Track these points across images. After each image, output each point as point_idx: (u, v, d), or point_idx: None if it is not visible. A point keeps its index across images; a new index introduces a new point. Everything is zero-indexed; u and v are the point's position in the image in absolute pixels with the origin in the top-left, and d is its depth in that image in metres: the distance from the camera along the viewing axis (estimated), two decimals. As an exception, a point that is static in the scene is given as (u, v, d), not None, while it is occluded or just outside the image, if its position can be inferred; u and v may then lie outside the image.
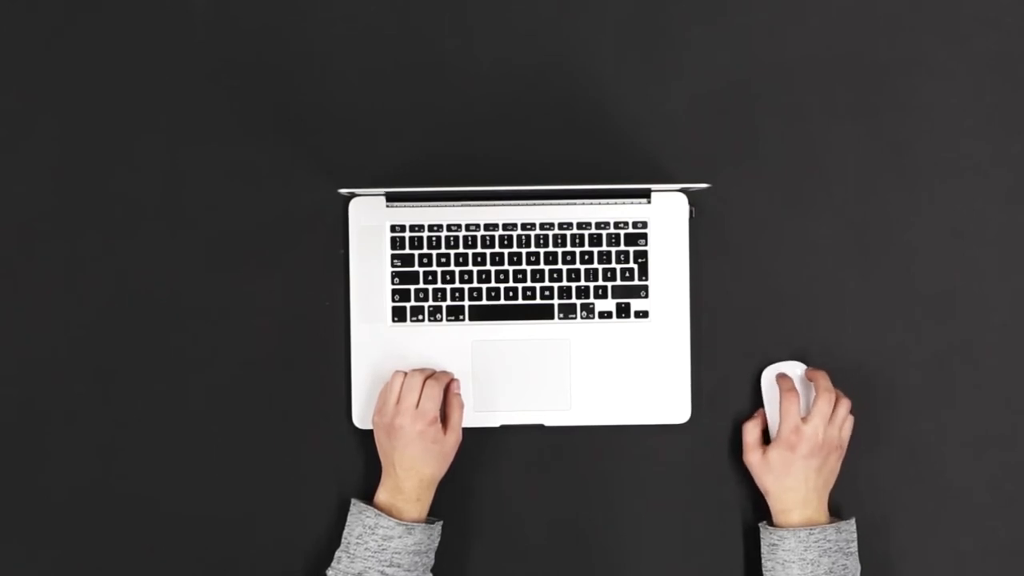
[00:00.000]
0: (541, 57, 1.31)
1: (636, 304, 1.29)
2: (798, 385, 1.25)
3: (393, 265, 1.28)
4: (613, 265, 1.28)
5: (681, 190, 1.28)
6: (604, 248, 1.28)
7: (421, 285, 1.28)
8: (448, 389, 1.24)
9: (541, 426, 1.28)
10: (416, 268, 1.28)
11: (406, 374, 1.22)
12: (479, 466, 1.28)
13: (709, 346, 1.29)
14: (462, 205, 1.28)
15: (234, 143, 1.30)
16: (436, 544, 1.21)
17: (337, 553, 1.20)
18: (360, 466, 1.28)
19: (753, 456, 1.23)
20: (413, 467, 1.20)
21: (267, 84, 1.30)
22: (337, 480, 1.28)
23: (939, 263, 1.30)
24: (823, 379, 1.24)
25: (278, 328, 1.29)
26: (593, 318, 1.28)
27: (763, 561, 1.22)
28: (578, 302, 1.28)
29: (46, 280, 1.29)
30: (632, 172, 1.29)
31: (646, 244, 1.29)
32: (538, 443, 1.29)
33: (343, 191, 1.23)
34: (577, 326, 1.28)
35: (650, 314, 1.29)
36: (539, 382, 1.28)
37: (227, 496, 1.29)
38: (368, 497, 1.23)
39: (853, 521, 1.22)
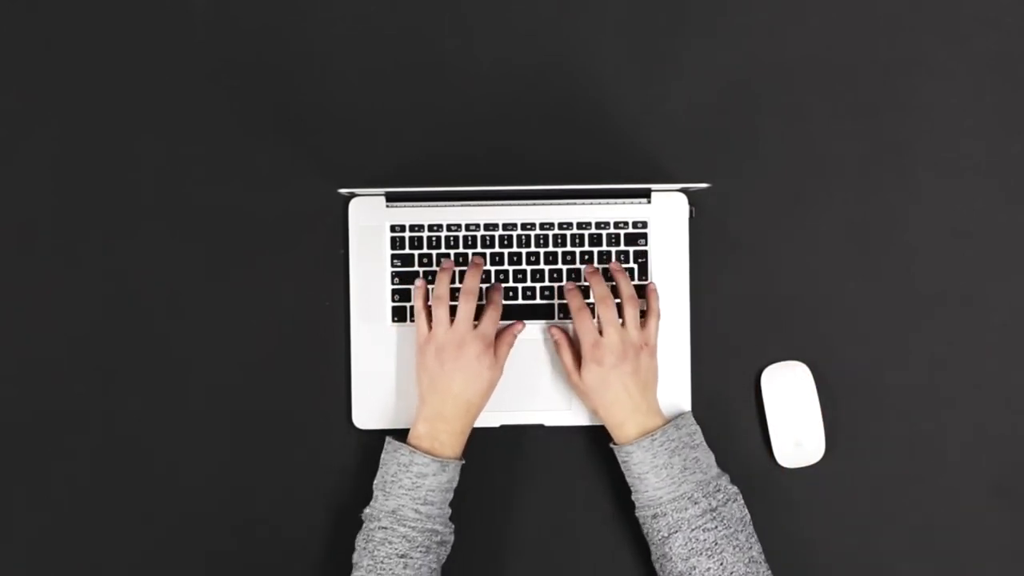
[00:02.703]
0: (541, 57, 1.31)
1: (636, 304, 1.28)
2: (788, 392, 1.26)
3: (393, 265, 1.28)
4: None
5: (681, 190, 1.28)
6: (604, 248, 1.28)
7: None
8: (510, 327, 1.24)
9: (541, 426, 1.28)
10: (416, 268, 1.28)
11: (464, 294, 1.21)
12: (479, 466, 1.28)
13: (709, 346, 1.29)
14: (462, 205, 1.28)
15: (234, 143, 1.30)
16: (458, 480, 1.21)
17: (375, 492, 1.19)
18: (360, 466, 1.28)
19: (573, 380, 1.23)
20: (464, 393, 1.19)
21: (267, 84, 1.30)
22: (337, 480, 1.28)
23: (939, 263, 1.30)
24: (597, 285, 1.23)
25: (278, 328, 1.29)
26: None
27: (625, 478, 1.21)
28: (578, 302, 1.28)
29: (46, 280, 1.29)
30: (632, 172, 1.29)
31: (646, 244, 1.29)
32: (538, 443, 1.29)
33: (343, 191, 1.23)
34: (577, 326, 1.28)
35: (650, 314, 1.29)
36: (539, 382, 1.28)
37: (227, 496, 1.29)
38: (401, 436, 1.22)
39: (689, 413, 1.22)
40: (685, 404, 1.28)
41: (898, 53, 1.31)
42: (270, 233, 1.30)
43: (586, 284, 1.26)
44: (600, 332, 1.21)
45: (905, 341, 1.30)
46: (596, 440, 1.29)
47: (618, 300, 1.23)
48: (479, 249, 1.28)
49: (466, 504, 1.27)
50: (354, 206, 1.28)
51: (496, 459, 1.29)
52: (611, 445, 1.23)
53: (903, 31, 1.31)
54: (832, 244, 1.30)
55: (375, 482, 1.20)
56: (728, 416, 1.29)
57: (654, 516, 1.17)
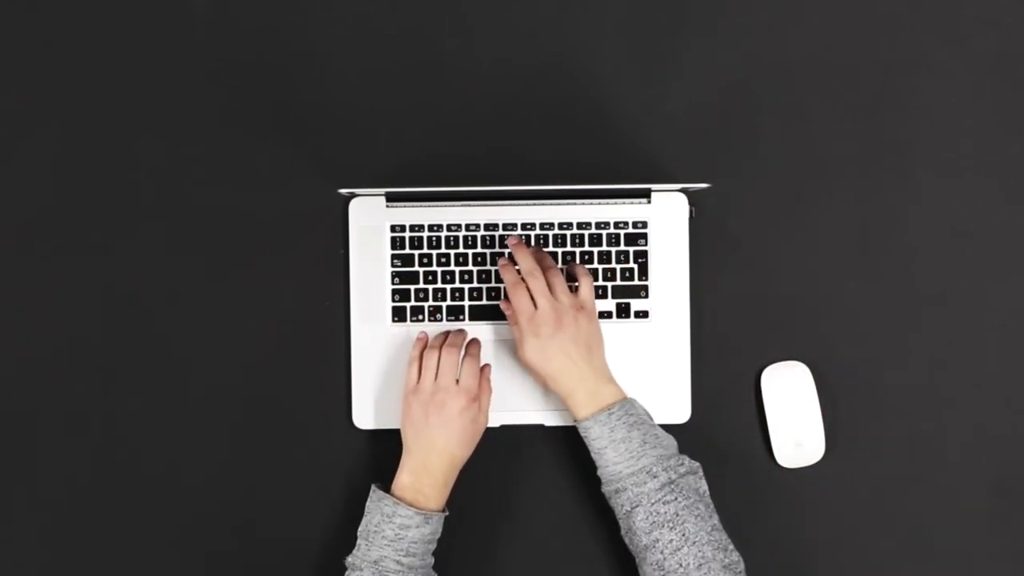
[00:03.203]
0: (541, 57, 1.31)
1: (636, 304, 1.29)
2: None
3: (393, 265, 1.28)
4: (613, 265, 1.28)
5: (681, 190, 1.28)
6: (604, 248, 1.28)
7: (421, 285, 1.28)
8: (481, 374, 1.23)
9: (541, 426, 1.28)
10: (416, 268, 1.28)
11: (439, 348, 1.21)
12: (479, 466, 1.28)
13: (709, 346, 1.29)
14: (462, 205, 1.28)
15: (234, 143, 1.30)
16: (440, 532, 1.21)
17: (358, 540, 1.19)
18: (360, 466, 1.28)
19: (518, 355, 1.22)
20: (447, 447, 1.18)
21: (267, 84, 1.30)
22: (337, 480, 1.28)
23: (939, 263, 1.30)
24: (524, 259, 1.22)
25: (278, 328, 1.29)
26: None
27: (591, 454, 1.21)
28: (578, 302, 1.28)
29: (46, 280, 1.29)
30: (632, 172, 1.29)
31: (646, 244, 1.29)
32: (538, 443, 1.29)
33: (343, 191, 1.23)
34: (577, 326, 1.28)
35: (650, 314, 1.29)
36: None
37: (227, 496, 1.29)
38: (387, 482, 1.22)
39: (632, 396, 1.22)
40: (685, 404, 1.28)
41: (898, 53, 1.31)
42: (270, 233, 1.29)
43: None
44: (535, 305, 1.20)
45: (905, 341, 1.30)
46: (596, 440, 1.29)
47: None
48: (479, 249, 1.28)
49: (466, 504, 1.27)
50: (354, 206, 1.28)
51: (496, 459, 1.29)
52: (573, 422, 1.22)
53: (903, 31, 1.31)
54: (832, 244, 1.30)
55: (359, 529, 1.19)
56: (728, 416, 1.29)
57: (616, 491, 1.17)
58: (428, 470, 1.18)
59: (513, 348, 1.26)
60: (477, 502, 1.28)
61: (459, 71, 1.31)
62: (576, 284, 1.23)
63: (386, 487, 1.20)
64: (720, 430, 1.29)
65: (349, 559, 1.18)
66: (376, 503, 1.18)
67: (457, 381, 1.20)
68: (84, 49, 1.30)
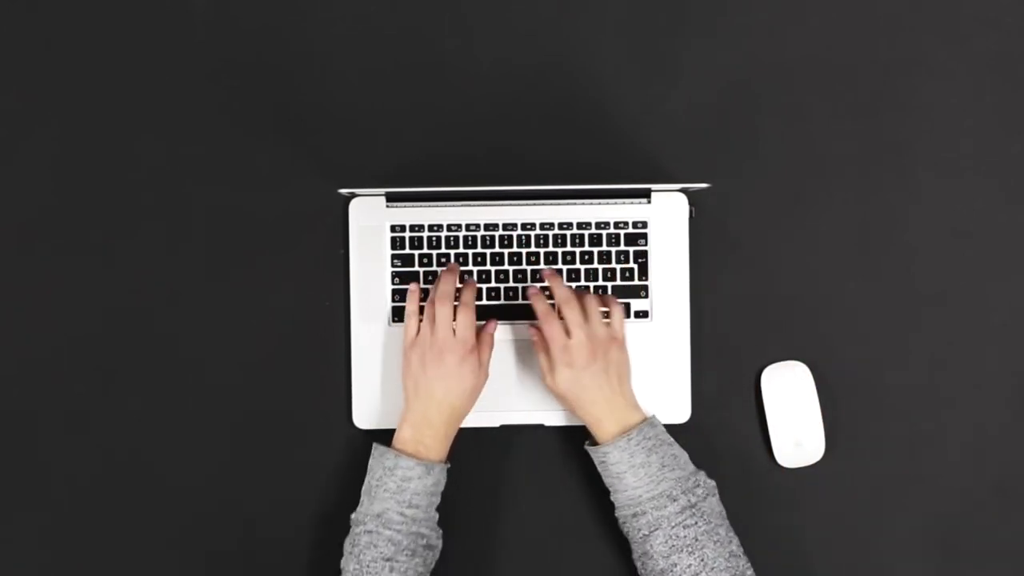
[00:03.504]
0: (541, 57, 1.31)
1: (636, 304, 1.29)
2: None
3: (393, 265, 1.28)
4: (613, 265, 1.28)
5: (681, 190, 1.28)
6: (604, 248, 1.28)
7: (421, 285, 1.28)
8: (484, 328, 1.23)
9: (541, 426, 1.28)
10: (416, 268, 1.28)
11: (435, 301, 1.20)
12: (479, 466, 1.28)
13: (709, 346, 1.29)
14: (462, 205, 1.28)
15: (234, 143, 1.30)
16: (444, 484, 1.21)
17: (361, 496, 1.19)
18: (360, 466, 1.28)
19: (547, 383, 1.22)
20: (447, 399, 1.19)
21: (267, 84, 1.30)
22: (337, 480, 1.28)
23: (939, 263, 1.30)
24: (557, 288, 1.21)
25: (278, 328, 1.29)
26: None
27: (603, 479, 1.21)
28: (578, 302, 1.28)
29: (46, 280, 1.29)
30: (632, 172, 1.29)
31: (646, 244, 1.29)
32: (538, 443, 1.29)
33: (343, 191, 1.23)
34: (577, 326, 1.28)
35: (650, 314, 1.29)
36: (538, 382, 1.28)
37: (227, 496, 1.29)
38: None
39: (653, 415, 1.22)
40: (685, 404, 1.28)
41: (898, 53, 1.31)
42: (270, 233, 1.30)
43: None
44: (568, 334, 1.20)
45: (905, 341, 1.30)
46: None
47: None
48: (479, 249, 1.28)
49: (466, 504, 1.27)
50: (354, 206, 1.28)
51: (496, 459, 1.29)
52: (587, 447, 1.22)
53: (903, 31, 1.31)
54: (832, 244, 1.30)
55: (363, 487, 1.19)
56: (728, 416, 1.29)
57: (634, 515, 1.17)
58: (429, 421, 1.19)
59: (515, 349, 1.26)
60: (477, 502, 1.28)
61: (459, 71, 1.31)
62: (606, 310, 1.23)
63: (388, 444, 1.20)
64: (720, 430, 1.29)
65: (353, 515, 1.19)
66: (378, 459, 1.19)
67: (455, 332, 1.20)
68: (84, 49, 1.30)
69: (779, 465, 1.29)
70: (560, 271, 1.27)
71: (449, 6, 1.31)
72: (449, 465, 1.21)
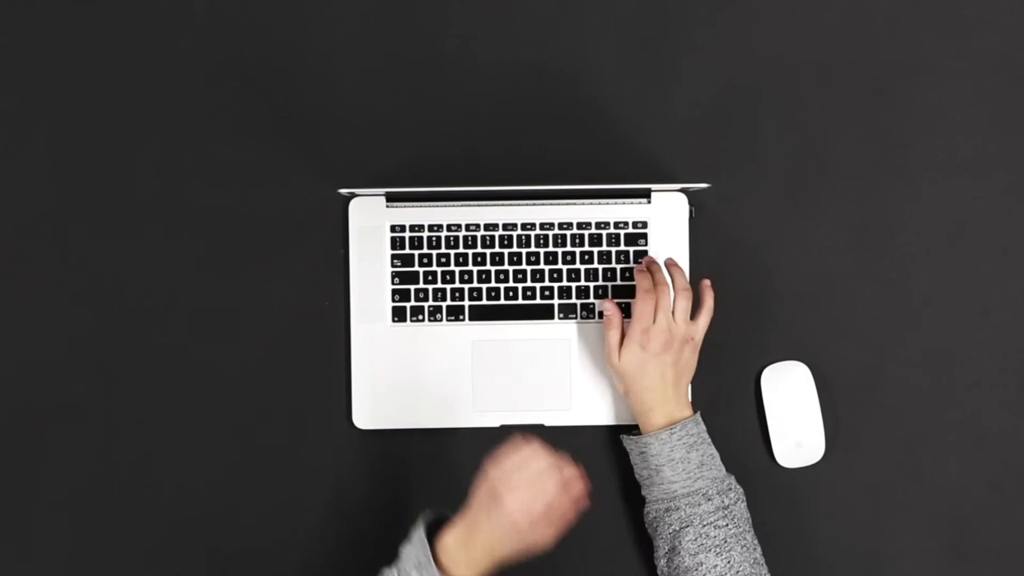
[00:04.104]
0: (541, 57, 1.31)
1: (636, 304, 1.28)
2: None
3: (393, 265, 1.28)
4: (613, 265, 1.28)
5: (681, 190, 1.28)
6: (604, 248, 1.28)
7: (421, 285, 1.28)
8: (573, 506, 1.13)
9: (541, 426, 1.28)
10: (416, 268, 1.28)
11: (545, 460, 1.10)
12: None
13: (709, 346, 1.29)
14: (462, 205, 1.28)
15: (234, 143, 1.30)
16: None
17: (401, 563, 1.11)
18: (360, 466, 1.28)
19: (612, 359, 1.22)
20: (492, 547, 1.10)
21: (267, 84, 1.30)
22: (337, 480, 1.28)
23: (939, 263, 1.30)
24: (657, 272, 1.23)
25: (278, 328, 1.29)
26: (593, 318, 1.28)
27: (635, 471, 1.21)
28: (578, 302, 1.28)
29: (46, 280, 1.29)
30: (632, 172, 1.29)
31: (646, 244, 1.29)
32: (538, 443, 1.29)
33: (343, 191, 1.23)
34: (577, 326, 1.28)
35: (650, 314, 1.29)
36: (539, 382, 1.28)
37: (227, 496, 1.29)
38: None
39: (698, 413, 1.22)
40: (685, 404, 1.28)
41: (898, 53, 1.31)
42: (270, 233, 1.30)
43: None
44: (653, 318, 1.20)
45: (905, 341, 1.30)
46: (596, 440, 1.29)
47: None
48: (479, 249, 1.28)
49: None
50: (354, 206, 1.28)
51: (496, 459, 1.29)
52: (625, 437, 1.23)
53: (903, 31, 1.31)
54: (832, 244, 1.30)
55: (402, 552, 1.11)
56: (728, 416, 1.29)
57: (667, 510, 1.17)
58: (471, 545, 1.10)
59: (516, 349, 1.26)
60: (477, 502, 1.28)
61: (459, 71, 1.31)
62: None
63: (436, 522, 1.13)
64: (720, 430, 1.28)
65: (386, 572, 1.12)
66: (418, 546, 1.10)
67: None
68: (84, 49, 1.30)
69: (779, 465, 1.29)
70: (655, 260, 1.26)
71: (449, 6, 1.31)
72: None
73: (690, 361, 1.22)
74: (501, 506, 1.09)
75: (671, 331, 1.20)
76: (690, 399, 1.23)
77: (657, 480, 1.19)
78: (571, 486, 1.12)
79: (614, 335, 1.23)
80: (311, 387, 1.29)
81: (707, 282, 1.24)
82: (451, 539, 1.11)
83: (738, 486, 1.20)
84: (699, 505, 1.16)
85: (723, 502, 1.16)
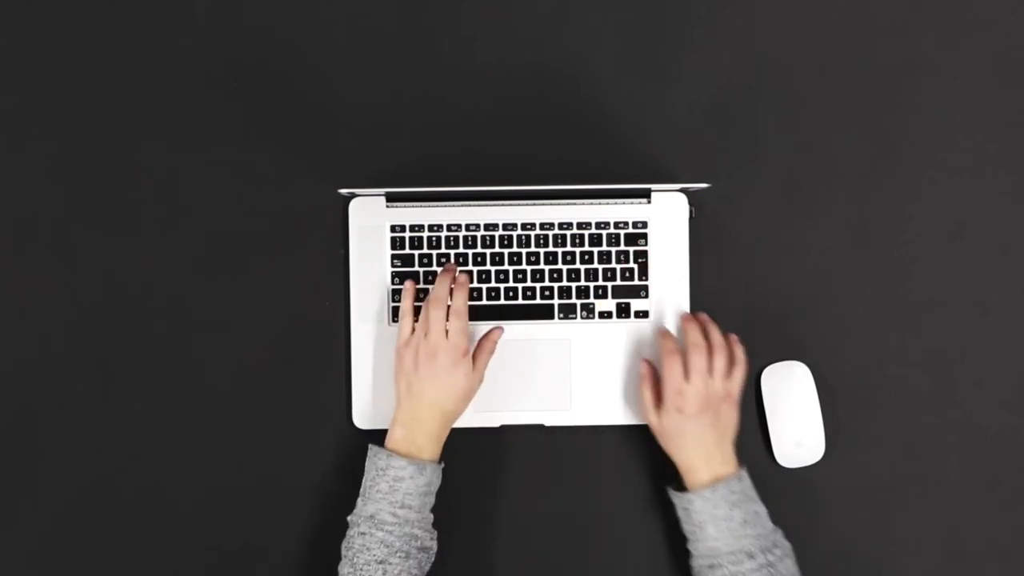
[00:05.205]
0: (541, 57, 1.31)
1: (636, 304, 1.29)
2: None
3: (393, 265, 1.28)
4: (613, 265, 1.28)
5: (681, 190, 1.28)
6: (604, 248, 1.28)
7: (421, 285, 1.28)
8: (488, 334, 1.23)
9: (541, 426, 1.28)
10: (416, 268, 1.28)
11: (429, 303, 1.20)
12: (479, 466, 1.28)
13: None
14: (462, 205, 1.28)
15: (234, 143, 1.30)
16: (439, 484, 1.21)
17: (358, 499, 1.19)
18: (360, 466, 1.28)
19: (651, 418, 1.23)
20: (437, 401, 1.19)
21: (267, 84, 1.30)
22: (337, 480, 1.28)
23: (939, 263, 1.30)
24: (692, 332, 1.22)
25: (278, 328, 1.29)
26: (593, 318, 1.28)
27: (681, 525, 1.21)
28: (578, 302, 1.28)
29: (46, 280, 1.29)
30: (632, 172, 1.29)
31: (646, 244, 1.29)
32: (538, 443, 1.29)
33: (343, 191, 1.23)
34: (577, 326, 1.28)
35: (650, 314, 1.29)
36: (539, 382, 1.28)
37: (227, 495, 1.29)
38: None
39: (745, 468, 1.21)
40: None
41: (898, 54, 1.31)
42: (270, 233, 1.30)
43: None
44: (686, 378, 1.20)
45: (905, 341, 1.30)
46: (595, 440, 1.29)
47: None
48: (479, 249, 1.28)
49: (466, 504, 1.27)
50: (354, 206, 1.28)
51: (496, 459, 1.29)
52: (671, 491, 1.22)
53: (903, 31, 1.31)
54: (832, 244, 1.30)
55: (360, 489, 1.20)
56: (728, 416, 1.29)
57: (710, 566, 1.17)
58: (420, 421, 1.19)
59: (516, 349, 1.27)
60: (476, 502, 1.28)
61: (459, 71, 1.31)
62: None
63: (382, 444, 1.21)
64: (720, 430, 1.29)
65: (349, 517, 1.19)
66: (372, 459, 1.19)
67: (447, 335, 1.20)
68: (84, 49, 1.30)
69: (779, 465, 1.29)
70: (692, 317, 1.25)
71: (449, 6, 1.31)
72: (443, 465, 1.21)
73: (731, 418, 1.22)
74: (431, 368, 1.19)
75: (707, 391, 1.19)
76: (734, 455, 1.21)
77: (701, 536, 1.18)
78: (456, 321, 1.19)
79: (648, 393, 1.23)
80: (311, 387, 1.29)
81: (734, 336, 1.24)
82: (397, 431, 1.20)
83: (785, 542, 1.19)
84: (742, 563, 1.15)
85: (767, 559, 1.16)
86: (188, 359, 1.29)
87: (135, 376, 1.29)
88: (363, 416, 1.28)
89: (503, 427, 1.28)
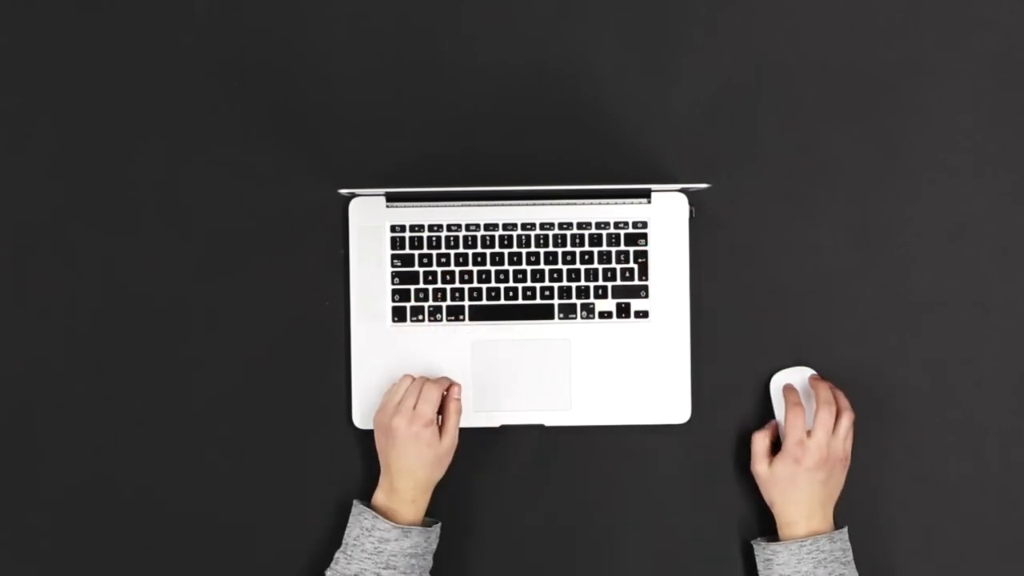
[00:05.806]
0: (541, 57, 1.31)
1: (636, 304, 1.29)
2: (803, 395, 1.25)
3: (393, 265, 1.28)
4: (613, 265, 1.28)
5: (681, 190, 1.28)
6: (604, 248, 1.28)
7: (421, 285, 1.28)
8: (447, 394, 1.23)
9: (541, 426, 1.28)
10: (416, 268, 1.28)
11: (414, 378, 1.22)
12: (479, 466, 1.28)
13: (709, 346, 1.29)
14: (462, 205, 1.28)
15: (234, 143, 1.30)
16: (434, 547, 1.21)
17: (336, 554, 1.20)
18: (360, 466, 1.28)
19: (760, 467, 1.22)
20: (407, 469, 1.19)
21: (267, 84, 1.30)
22: (337, 480, 1.28)
23: (939, 263, 1.30)
24: (823, 390, 1.23)
25: (278, 328, 1.29)
26: (593, 318, 1.28)
27: None
28: (578, 302, 1.28)
29: (46, 280, 1.29)
30: (632, 172, 1.29)
31: (646, 244, 1.29)
32: (538, 443, 1.29)
33: (343, 191, 1.23)
34: (577, 326, 1.28)
35: (650, 314, 1.29)
36: (539, 382, 1.28)
37: (227, 496, 1.29)
38: (370, 497, 1.23)
39: (846, 529, 1.22)
40: (685, 404, 1.28)
41: (898, 53, 1.31)
42: (270, 233, 1.30)
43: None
44: (808, 432, 1.20)
45: (905, 341, 1.30)
46: (595, 440, 1.29)
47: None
48: (479, 249, 1.28)
49: (466, 504, 1.27)
50: (354, 206, 1.28)
51: (496, 459, 1.29)
52: (755, 541, 1.23)
53: (903, 31, 1.31)
54: (832, 244, 1.30)
55: (341, 546, 1.20)
56: (728, 416, 1.29)
57: None
58: (395, 489, 1.20)
59: (515, 349, 1.26)
60: (475, 502, 1.28)
61: (459, 71, 1.31)
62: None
63: (369, 502, 1.21)
64: (720, 430, 1.29)
65: (327, 572, 1.19)
66: (356, 517, 1.20)
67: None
68: (84, 49, 1.30)
69: (779, 465, 1.29)
70: (821, 379, 1.26)
71: (449, 6, 1.31)
72: (439, 524, 1.21)
73: (841, 481, 1.22)
74: (395, 439, 1.19)
75: (828, 448, 1.20)
76: (832, 516, 1.22)
77: None
78: (439, 383, 1.22)
79: (762, 443, 1.23)
80: (311, 387, 1.29)
81: (846, 403, 1.24)
82: (379, 495, 1.21)
83: None
84: None
85: None
86: (188, 359, 1.29)
87: (135, 376, 1.29)
88: (363, 416, 1.28)
89: (503, 427, 1.28)
